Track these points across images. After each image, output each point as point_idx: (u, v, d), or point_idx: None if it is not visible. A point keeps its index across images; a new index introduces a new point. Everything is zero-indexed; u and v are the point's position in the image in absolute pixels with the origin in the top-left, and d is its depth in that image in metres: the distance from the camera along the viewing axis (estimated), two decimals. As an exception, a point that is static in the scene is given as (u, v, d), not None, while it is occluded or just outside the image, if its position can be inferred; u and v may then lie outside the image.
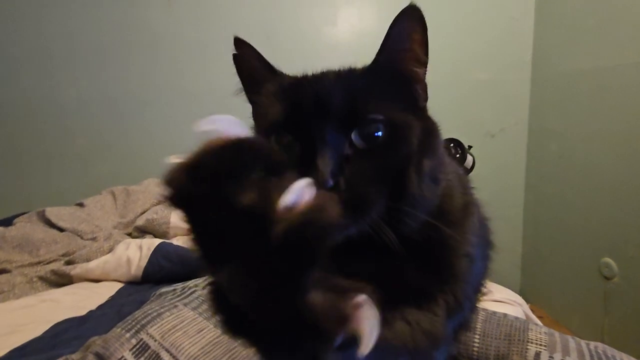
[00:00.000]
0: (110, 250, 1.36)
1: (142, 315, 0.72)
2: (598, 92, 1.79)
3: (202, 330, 0.71)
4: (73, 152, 2.19)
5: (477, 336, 0.65)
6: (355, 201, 0.38)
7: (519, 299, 1.05)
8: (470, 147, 1.62)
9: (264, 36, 2.03)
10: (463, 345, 0.64)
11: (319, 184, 0.36)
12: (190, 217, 0.28)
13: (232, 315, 0.33)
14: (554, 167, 2.10)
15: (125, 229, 1.68)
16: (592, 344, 0.64)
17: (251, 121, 0.51)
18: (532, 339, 0.63)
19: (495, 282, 1.08)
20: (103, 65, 2.17)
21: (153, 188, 1.91)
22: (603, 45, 1.76)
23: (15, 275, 1.30)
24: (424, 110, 0.48)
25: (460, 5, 2.21)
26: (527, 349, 0.61)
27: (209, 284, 0.32)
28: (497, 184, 2.18)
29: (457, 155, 1.56)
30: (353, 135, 0.41)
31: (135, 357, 0.63)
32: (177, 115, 2.19)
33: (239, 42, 0.48)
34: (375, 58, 0.46)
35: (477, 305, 0.60)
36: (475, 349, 0.64)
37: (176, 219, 1.60)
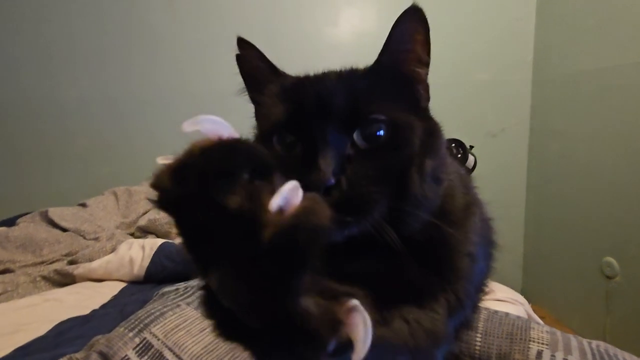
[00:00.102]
0: (113, 250, 1.37)
1: (145, 315, 0.72)
2: (599, 92, 1.79)
3: (204, 329, 0.71)
4: (74, 152, 2.19)
5: (479, 335, 0.65)
6: (356, 201, 0.38)
7: (520, 298, 1.05)
8: (471, 147, 1.62)
9: (265, 36, 2.03)
10: (465, 344, 0.64)
11: (321, 183, 0.37)
12: (178, 220, 0.27)
13: (225, 318, 0.32)
14: (556, 167, 2.10)
15: (127, 229, 1.69)
16: (594, 342, 0.64)
17: (253, 121, 0.51)
18: (534, 338, 0.63)
19: (497, 282, 1.08)
20: (104, 66, 2.18)
21: (155, 188, 1.91)
22: (604, 45, 1.76)
23: (19, 275, 1.30)
24: (426, 110, 0.48)
25: (462, 5, 2.21)
26: (529, 347, 0.61)
27: (201, 287, 0.31)
28: (498, 184, 2.18)
29: (459, 156, 1.56)
30: (355, 135, 0.41)
31: (138, 356, 0.64)
32: (178, 116, 2.16)
33: (242, 42, 0.48)
34: (377, 58, 0.46)
35: (479, 304, 0.60)
36: (477, 347, 0.64)
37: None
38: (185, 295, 0.82)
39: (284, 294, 0.26)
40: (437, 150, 0.45)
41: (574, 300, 1.99)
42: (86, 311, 1.06)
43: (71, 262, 1.36)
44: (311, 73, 0.48)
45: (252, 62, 0.49)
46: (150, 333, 0.67)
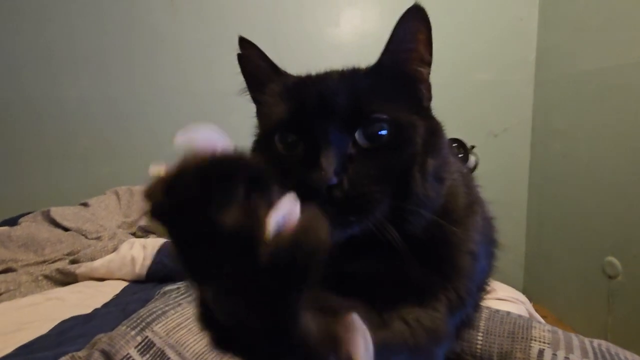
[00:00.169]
0: (115, 249, 1.37)
1: (147, 313, 0.72)
2: (601, 92, 1.79)
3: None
4: (75, 152, 2.19)
5: (480, 334, 0.65)
6: (359, 200, 0.38)
7: (522, 297, 1.05)
8: (473, 147, 1.62)
9: (266, 36, 2.03)
10: (466, 343, 0.64)
11: (323, 182, 0.37)
12: (171, 233, 0.26)
13: (220, 331, 0.31)
14: (558, 167, 2.10)
15: (129, 229, 1.69)
16: (596, 341, 0.64)
17: (255, 120, 0.52)
18: (535, 337, 0.63)
19: (499, 281, 1.08)
20: (105, 66, 2.18)
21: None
22: (606, 45, 1.76)
23: (21, 274, 1.30)
24: (428, 110, 0.49)
25: (464, 5, 2.21)
26: (531, 346, 0.61)
27: (195, 298, 0.31)
28: (500, 184, 2.18)
29: (460, 156, 1.56)
30: (357, 135, 0.41)
31: (140, 354, 0.64)
32: (179, 115, 2.20)
33: (243, 42, 0.48)
34: (379, 58, 0.46)
35: (481, 303, 0.60)
36: (479, 346, 0.64)
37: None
38: (187, 294, 0.82)
39: (282, 311, 0.25)
40: (439, 149, 0.45)
41: (576, 299, 1.98)
42: (88, 310, 1.07)
43: (73, 262, 1.36)
44: (313, 72, 0.48)
45: (253, 62, 0.49)
46: (152, 331, 0.67)
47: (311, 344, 0.26)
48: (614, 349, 0.63)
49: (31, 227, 1.53)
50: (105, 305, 1.11)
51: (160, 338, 0.66)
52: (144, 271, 1.27)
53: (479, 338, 0.65)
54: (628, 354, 0.63)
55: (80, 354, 0.68)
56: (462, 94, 2.17)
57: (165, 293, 0.87)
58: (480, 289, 0.55)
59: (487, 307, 0.71)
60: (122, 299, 1.16)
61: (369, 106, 0.42)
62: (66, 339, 0.91)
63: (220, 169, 0.26)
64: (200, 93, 2.19)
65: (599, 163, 1.80)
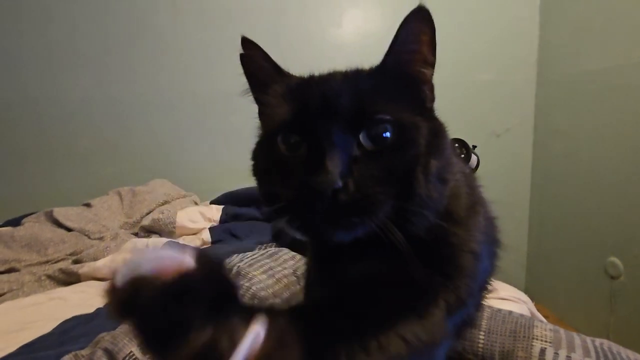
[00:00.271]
0: (117, 249, 1.38)
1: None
2: (603, 92, 1.79)
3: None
4: (77, 152, 2.20)
5: (482, 333, 0.65)
6: (363, 202, 0.38)
7: (524, 296, 1.05)
8: (474, 147, 1.62)
9: (269, 37, 2.03)
10: (468, 341, 0.64)
11: (328, 185, 0.37)
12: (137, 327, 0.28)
13: None
14: (560, 167, 2.10)
15: (131, 229, 1.69)
16: (598, 340, 0.64)
17: (257, 121, 0.52)
18: (537, 336, 0.63)
19: (501, 281, 1.08)
20: (107, 66, 2.18)
21: (159, 188, 1.93)
22: (608, 45, 1.76)
23: (24, 274, 1.31)
24: (430, 110, 0.48)
25: (465, 5, 2.21)
26: (532, 345, 0.61)
27: None
28: (502, 184, 2.18)
29: (462, 155, 1.56)
30: (361, 136, 0.41)
31: (143, 352, 0.64)
32: (181, 116, 2.21)
33: (246, 42, 0.48)
34: (383, 59, 0.46)
35: (483, 302, 0.60)
36: (481, 345, 0.64)
37: (182, 219, 1.62)
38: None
39: None
40: (442, 150, 0.45)
41: (578, 300, 1.98)
42: (91, 309, 1.07)
43: (76, 262, 1.37)
44: (316, 73, 0.48)
45: (256, 62, 0.49)
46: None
47: None
48: (615, 348, 0.63)
49: (34, 227, 1.54)
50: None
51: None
52: (146, 271, 1.27)
53: (481, 337, 0.65)
54: (630, 353, 0.62)
55: (83, 352, 0.69)
56: (464, 94, 2.17)
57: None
58: (482, 289, 0.56)
59: (489, 306, 0.71)
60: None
61: (373, 107, 0.42)
62: (69, 338, 0.91)
63: (185, 297, 0.28)
64: (202, 93, 2.19)
65: (601, 163, 1.80)
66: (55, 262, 1.40)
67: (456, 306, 0.44)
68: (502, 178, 2.22)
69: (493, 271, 0.57)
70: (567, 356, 0.59)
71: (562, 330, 0.65)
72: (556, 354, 0.59)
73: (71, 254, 1.45)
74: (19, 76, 2.14)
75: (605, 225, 1.78)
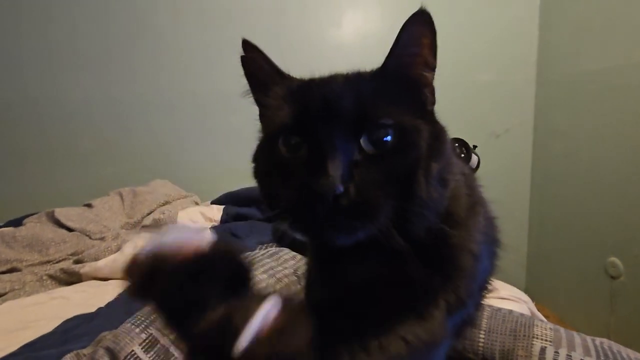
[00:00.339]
0: (118, 249, 1.38)
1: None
2: (603, 92, 1.79)
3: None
4: (78, 153, 2.20)
5: (482, 332, 0.65)
6: (364, 206, 0.38)
7: (524, 296, 1.05)
8: (475, 146, 1.62)
9: (269, 38, 2.03)
10: (469, 341, 0.64)
11: (329, 189, 0.37)
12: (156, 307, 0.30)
13: None
14: (559, 167, 2.10)
15: (132, 229, 1.70)
16: (598, 339, 0.64)
17: (258, 123, 0.52)
18: (537, 335, 0.63)
19: (501, 281, 1.08)
20: (108, 67, 2.18)
21: (160, 189, 1.93)
22: (608, 45, 1.76)
23: (26, 273, 1.31)
24: (431, 113, 0.48)
25: (464, 5, 2.21)
26: (533, 344, 0.61)
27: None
28: (502, 184, 2.17)
29: (462, 155, 1.56)
30: (362, 140, 0.41)
31: (145, 351, 0.64)
32: (181, 117, 2.21)
33: (246, 45, 0.48)
34: (384, 62, 0.46)
35: (483, 302, 0.60)
36: (481, 344, 0.64)
37: (183, 219, 1.62)
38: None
39: None
40: (443, 153, 0.45)
41: (578, 300, 1.98)
42: (92, 309, 1.07)
43: (77, 262, 1.37)
44: (317, 75, 0.48)
45: (256, 64, 0.49)
46: (157, 329, 0.68)
47: None
48: (616, 347, 0.63)
49: (36, 227, 1.54)
50: (109, 304, 1.12)
51: (164, 335, 0.67)
52: (147, 271, 1.27)
53: (481, 336, 0.65)
54: (630, 352, 0.63)
55: (85, 351, 0.69)
56: (464, 95, 2.17)
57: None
58: (482, 289, 0.56)
59: (489, 306, 0.71)
60: (125, 298, 1.16)
61: (375, 111, 0.42)
62: (70, 337, 0.92)
63: (201, 273, 0.29)
64: (203, 94, 2.19)
65: (601, 163, 1.80)
66: (57, 262, 1.41)
67: (456, 306, 0.44)
68: (502, 178, 2.22)
69: (493, 271, 0.57)
70: (568, 355, 0.59)
71: (562, 330, 0.65)
72: (556, 352, 0.59)
73: (72, 254, 1.45)
74: (19, 76, 2.14)
75: (605, 225, 1.78)
